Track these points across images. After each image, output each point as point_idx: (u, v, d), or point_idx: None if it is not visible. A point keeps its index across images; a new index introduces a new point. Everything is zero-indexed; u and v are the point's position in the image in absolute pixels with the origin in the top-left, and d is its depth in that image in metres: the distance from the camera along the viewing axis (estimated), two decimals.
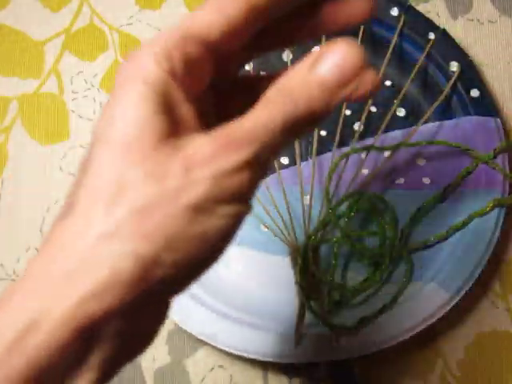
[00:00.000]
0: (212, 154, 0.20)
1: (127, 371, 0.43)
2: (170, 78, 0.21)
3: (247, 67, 0.45)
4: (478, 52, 0.46)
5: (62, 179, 0.45)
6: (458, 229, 0.41)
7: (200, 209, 0.20)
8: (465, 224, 0.41)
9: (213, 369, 0.43)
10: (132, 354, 0.22)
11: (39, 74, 0.47)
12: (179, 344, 0.43)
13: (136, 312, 0.21)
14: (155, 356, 0.43)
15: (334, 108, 0.21)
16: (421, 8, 0.45)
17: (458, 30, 0.46)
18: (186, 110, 0.22)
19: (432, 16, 0.45)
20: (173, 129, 0.21)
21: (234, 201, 0.21)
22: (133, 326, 0.21)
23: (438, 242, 0.42)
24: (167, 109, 0.21)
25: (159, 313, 0.22)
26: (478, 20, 0.46)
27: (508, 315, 0.43)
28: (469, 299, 0.42)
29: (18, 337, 0.19)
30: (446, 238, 0.42)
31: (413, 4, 0.44)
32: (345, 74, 0.21)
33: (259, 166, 0.21)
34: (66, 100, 0.46)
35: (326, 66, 0.21)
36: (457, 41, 0.44)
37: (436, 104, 0.43)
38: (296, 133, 0.22)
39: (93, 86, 0.46)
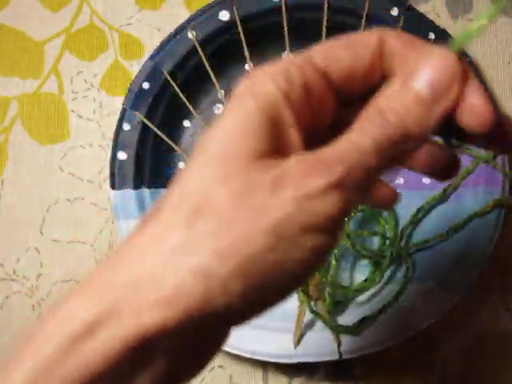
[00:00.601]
0: (299, 173, 0.19)
1: None
2: (283, 98, 0.21)
3: (247, 67, 0.45)
4: (477, 52, 0.46)
5: (62, 179, 0.45)
6: (458, 229, 0.41)
7: (282, 234, 0.19)
8: (465, 224, 0.41)
9: (212, 369, 0.43)
10: (182, 376, 0.21)
11: (39, 74, 0.47)
12: None
13: (193, 333, 0.20)
14: None
15: (432, 130, 0.20)
16: (421, 8, 0.45)
17: (458, 30, 0.46)
18: (292, 135, 0.21)
19: (432, 16, 0.45)
20: (273, 149, 0.20)
21: (320, 230, 0.19)
22: (187, 347, 0.20)
23: (438, 242, 0.42)
24: (273, 128, 0.20)
25: (216, 339, 0.21)
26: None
27: (508, 315, 0.43)
28: (469, 299, 0.42)
29: (75, 339, 0.19)
30: (446, 238, 0.42)
31: (413, 4, 0.44)
32: (441, 89, 0.20)
33: (350, 190, 0.19)
34: (66, 100, 0.46)
35: (421, 81, 0.20)
36: None
37: None
38: (392, 156, 0.20)
39: (93, 85, 0.46)
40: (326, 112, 0.22)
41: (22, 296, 0.44)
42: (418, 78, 0.20)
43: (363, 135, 0.20)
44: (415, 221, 0.43)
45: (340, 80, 0.21)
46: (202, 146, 0.21)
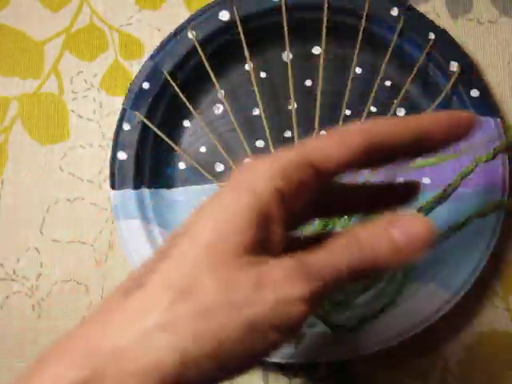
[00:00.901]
0: (282, 278, 0.22)
1: None
2: (278, 198, 0.23)
3: (247, 67, 0.45)
4: (477, 52, 0.46)
5: (62, 179, 0.45)
6: (458, 228, 0.42)
7: (255, 328, 0.21)
8: (465, 224, 0.41)
9: None
10: None
11: (39, 74, 0.47)
12: None
13: None
14: None
15: (396, 267, 0.24)
16: (421, 8, 0.45)
17: (458, 29, 0.46)
18: (279, 230, 0.23)
19: (432, 16, 0.45)
20: (260, 242, 0.22)
21: (285, 331, 0.22)
22: None
23: (438, 242, 0.42)
24: (263, 224, 0.22)
25: None
26: (478, 20, 0.46)
27: (508, 315, 0.43)
28: (469, 299, 0.42)
29: None
30: (446, 238, 0.42)
31: (413, 4, 0.44)
32: (413, 245, 0.23)
33: (315, 303, 0.22)
34: (66, 100, 0.46)
35: (399, 230, 0.23)
36: (457, 41, 0.44)
37: (436, 104, 0.43)
38: (355, 279, 0.23)
39: (93, 85, 0.46)
40: (311, 195, 0.25)
41: (22, 296, 0.44)
42: (397, 226, 0.23)
43: (341, 257, 0.23)
44: None
45: (330, 173, 0.24)
46: (192, 228, 0.23)
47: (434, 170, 0.44)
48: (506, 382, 0.42)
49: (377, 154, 0.24)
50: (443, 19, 0.46)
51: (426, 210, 0.43)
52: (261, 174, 0.23)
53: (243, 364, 0.22)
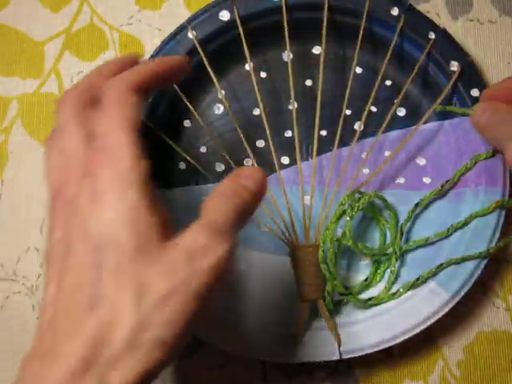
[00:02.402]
0: (207, 244, 0.26)
1: None
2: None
3: (247, 67, 0.45)
4: (478, 52, 0.46)
5: None
6: (458, 227, 0.42)
7: (204, 294, 0.26)
8: (466, 223, 0.41)
9: (213, 369, 0.43)
10: None
11: (39, 74, 0.47)
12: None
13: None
14: None
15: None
16: (421, 8, 0.45)
17: (458, 29, 0.46)
18: (162, 206, 0.29)
19: (432, 16, 0.45)
20: (163, 224, 0.27)
21: (222, 279, 0.27)
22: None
23: (438, 240, 0.42)
24: (157, 208, 0.28)
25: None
26: (478, 20, 0.46)
27: (508, 315, 0.43)
28: (469, 299, 0.42)
29: None
30: (446, 237, 0.42)
31: (413, 4, 0.44)
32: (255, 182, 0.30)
33: (232, 235, 0.28)
34: None
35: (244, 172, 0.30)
36: (457, 40, 0.44)
37: (436, 104, 0.43)
38: (245, 214, 0.29)
39: None
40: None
41: (22, 296, 0.44)
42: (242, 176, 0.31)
43: (229, 209, 0.29)
44: (413, 216, 0.43)
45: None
46: (111, 238, 0.26)
47: (435, 170, 0.43)
48: (506, 382, 0.43)
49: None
50: (443, 19, 0.46)
51: (424, 205, 0.43)
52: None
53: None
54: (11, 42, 0.47)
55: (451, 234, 0.42)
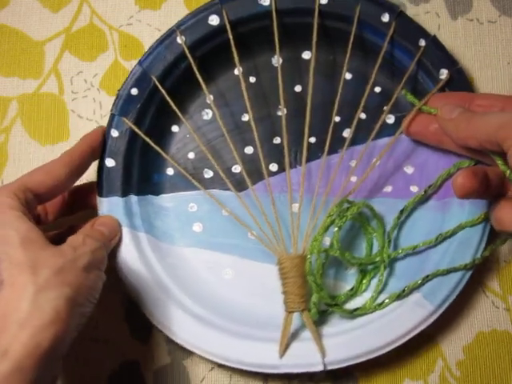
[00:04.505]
0: (84, 239, 0.36)
1: (127, 371, 0.43)
2: (23, 206, 0.36)
3: (236, 72, 0.44)
4: (477, 52, 0.46)
5: None
6: (447, 236, 0.41)
7: (88, 269, 0.35)
8: (454, 233, 0.41)
9: (213, 369, 0.43)
10: None
11: (39, 74, 0.47)
12: (179, 345, 0.43)
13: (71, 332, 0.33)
14: (155, 356, 0.43)
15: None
16: (420, 8, 0.45)
17: (458, 30, 0.46)
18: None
19: (432, 16, 0.45)
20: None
21: (100, 266, 0.37)
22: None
23: (426, 249, 0.42)
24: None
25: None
26: (478, 20, 0.46)
27: (508, 315, 0.43)
28: (469, 299, 0.42)
29: None
30: (434, 245, 0.42)
31: (413, 4, 0.44)
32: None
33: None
34: (66, 100, 0.46)
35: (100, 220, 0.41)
36: (456, 41, 0.43)
37: (420, 105, 0.41)
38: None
39: (93, 85, 0.46)
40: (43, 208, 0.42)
41: None
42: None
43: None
44: (399, 224, 0.42)
45: (46, 193, 0.39)
46: (3, 240, 0.34)
47: (423, 178, 0.43)
48: (506, 382, 0.43)
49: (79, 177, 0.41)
50: (443, 19, 0.46)
51: (408, 211, 0.42)
52: (4, 197, 0.36)
53: (95, 290, 0.36)
54: (11, 42, 0.47)
55: (439, 243, 0.41)
